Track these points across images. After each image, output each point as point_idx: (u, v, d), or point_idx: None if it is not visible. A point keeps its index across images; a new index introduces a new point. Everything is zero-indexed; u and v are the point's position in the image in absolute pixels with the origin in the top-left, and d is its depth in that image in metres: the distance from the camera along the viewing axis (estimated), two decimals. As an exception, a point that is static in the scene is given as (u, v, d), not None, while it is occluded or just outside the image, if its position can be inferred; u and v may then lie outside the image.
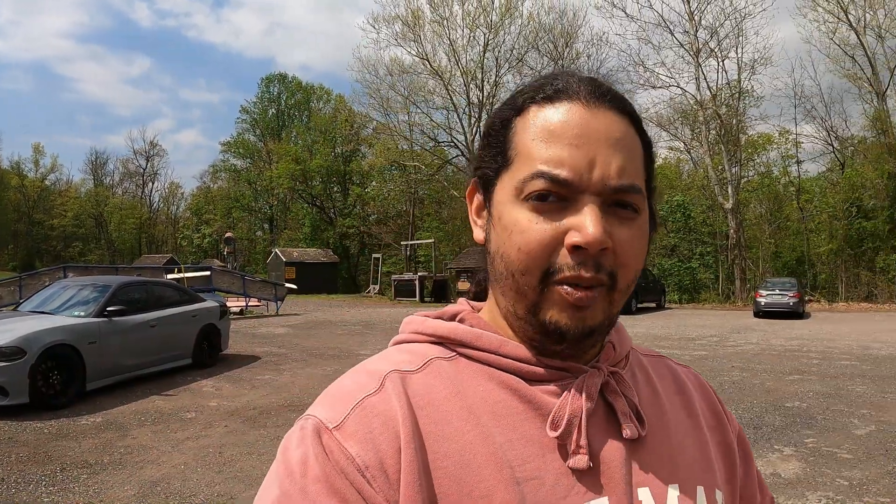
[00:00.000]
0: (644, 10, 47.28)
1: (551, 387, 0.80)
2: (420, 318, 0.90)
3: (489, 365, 0.81)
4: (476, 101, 48.61)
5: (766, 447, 6.90)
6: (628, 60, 42.76)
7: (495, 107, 0.85)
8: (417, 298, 39.83)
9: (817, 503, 5.32)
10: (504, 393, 0.79)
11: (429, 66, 47.92)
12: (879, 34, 38.34)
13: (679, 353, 14.35)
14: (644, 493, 0.79)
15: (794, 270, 40.23)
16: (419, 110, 50.34)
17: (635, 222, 0.77)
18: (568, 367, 0.82)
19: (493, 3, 47.61)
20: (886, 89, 38.24)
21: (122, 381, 9.65)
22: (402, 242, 50.74)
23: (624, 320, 0.91)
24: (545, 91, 0.79)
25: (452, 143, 50.74)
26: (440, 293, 40.16)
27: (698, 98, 39.66)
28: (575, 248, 0.73)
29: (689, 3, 39.20)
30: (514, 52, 48.05)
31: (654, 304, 31.59)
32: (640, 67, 41.43)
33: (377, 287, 47.59)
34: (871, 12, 38.14)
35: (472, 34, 47.87)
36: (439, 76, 47.91)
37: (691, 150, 43.87)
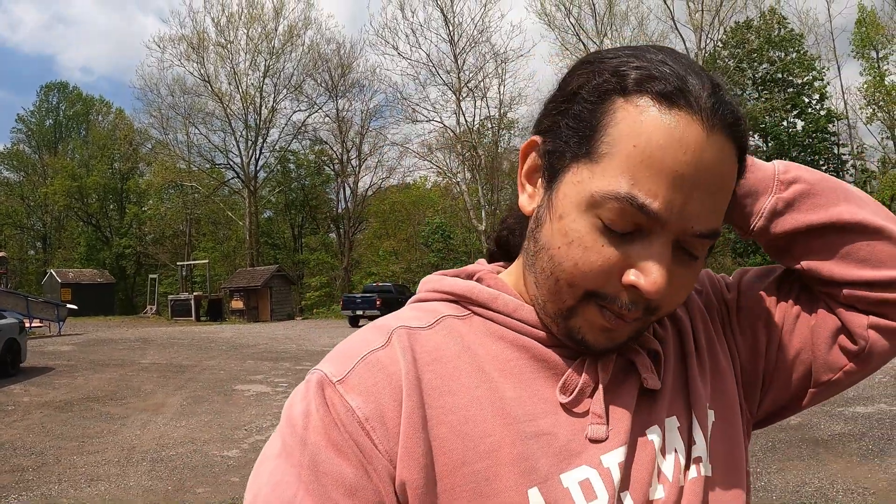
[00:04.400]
0: (414, 50, 51.55)
1: (566, 349, 0.78)
2: (437, 277, 0.87)
3: (503, 326, 0.79)
4: (253, 124, 50.96)
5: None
6: (394, 95, 46.67)
7: (586, 60, 0.75)
8: (194, 318, 41.12)
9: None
10: (516, 352, 0.77)
11: (210, 88, 49.60)
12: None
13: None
14: (671, 423, 0.78)
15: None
16: (198, 131, 51.85)
17: (697, 263, 0.73)
18: None
19: (276, 30, 50.22)
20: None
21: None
22: (178, 263, 51.33)
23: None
24: (667, 83, 0.67)
25: (229, 166, 52.72)
26: (215, 312, 42.03)
27: (457, 132, 44.06)
28: (632, 286, 0.69)
29: (454, 46, 43.97)
30: (294, 79, 50.78)
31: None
32: (405, 102, 45.21)
33: (154, 307, 48.17)
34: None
35: (253, 59, 50.28)
36: (219, 99, 49.58)
37: (456, 177, 47.96)
